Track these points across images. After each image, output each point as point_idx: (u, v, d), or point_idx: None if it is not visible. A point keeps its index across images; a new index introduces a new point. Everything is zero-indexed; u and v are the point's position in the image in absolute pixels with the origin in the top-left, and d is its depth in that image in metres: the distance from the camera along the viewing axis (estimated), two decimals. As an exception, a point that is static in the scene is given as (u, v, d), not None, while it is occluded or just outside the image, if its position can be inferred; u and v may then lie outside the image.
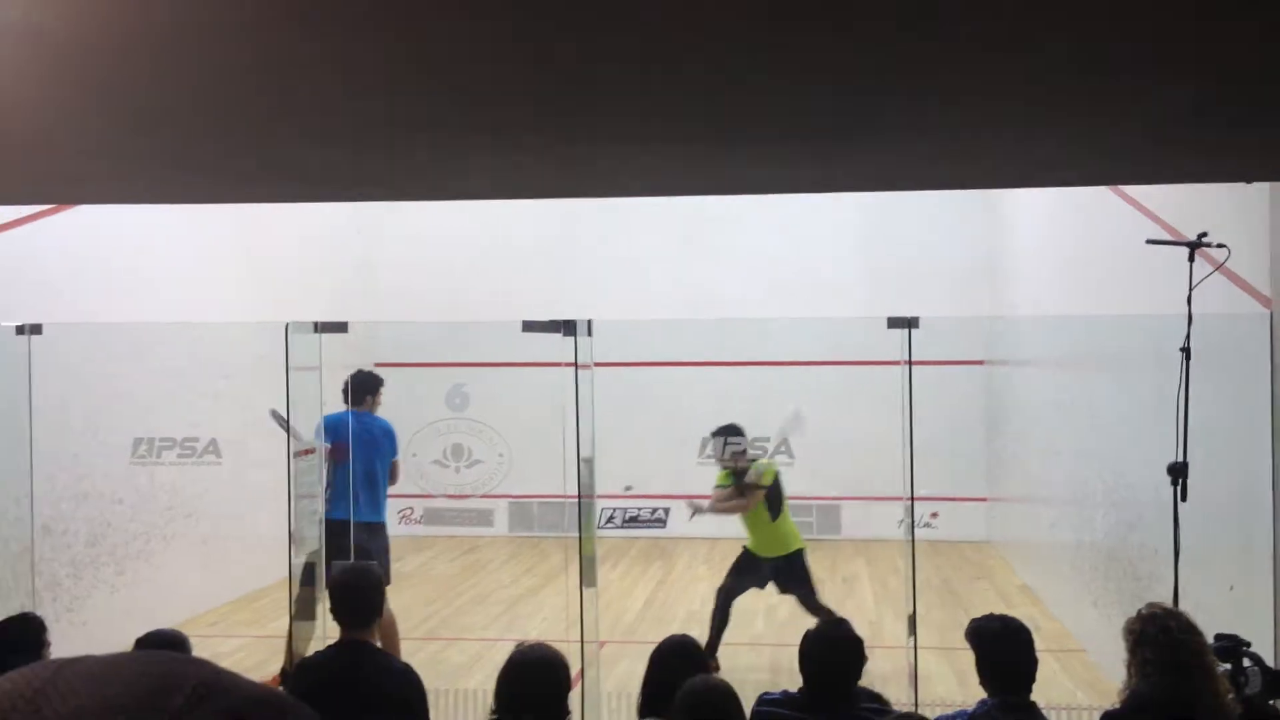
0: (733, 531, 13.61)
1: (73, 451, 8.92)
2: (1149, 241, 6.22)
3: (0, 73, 2.97)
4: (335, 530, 7.74)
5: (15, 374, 7.43)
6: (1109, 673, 4.50)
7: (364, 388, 8.27)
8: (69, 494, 8.93)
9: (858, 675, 4.28)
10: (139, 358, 9.68)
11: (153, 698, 0.66)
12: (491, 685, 3.99)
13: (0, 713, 0.65)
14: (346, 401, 8.17)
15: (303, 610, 7.55)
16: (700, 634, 4.67)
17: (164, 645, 4.63)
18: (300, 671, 4.67)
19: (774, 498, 8.54)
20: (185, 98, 3.38)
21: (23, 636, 4.63)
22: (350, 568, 5.06)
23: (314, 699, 4.41)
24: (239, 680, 0.71)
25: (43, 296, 8.46)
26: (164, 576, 9.85)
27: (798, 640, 4.43)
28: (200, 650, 5.60)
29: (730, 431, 8.50)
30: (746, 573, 8.57)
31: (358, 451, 7.98)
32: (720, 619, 8.36)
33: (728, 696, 3.80)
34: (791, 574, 8.43)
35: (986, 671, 4.28)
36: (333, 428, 7.97)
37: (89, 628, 8.51)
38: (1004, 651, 4.27)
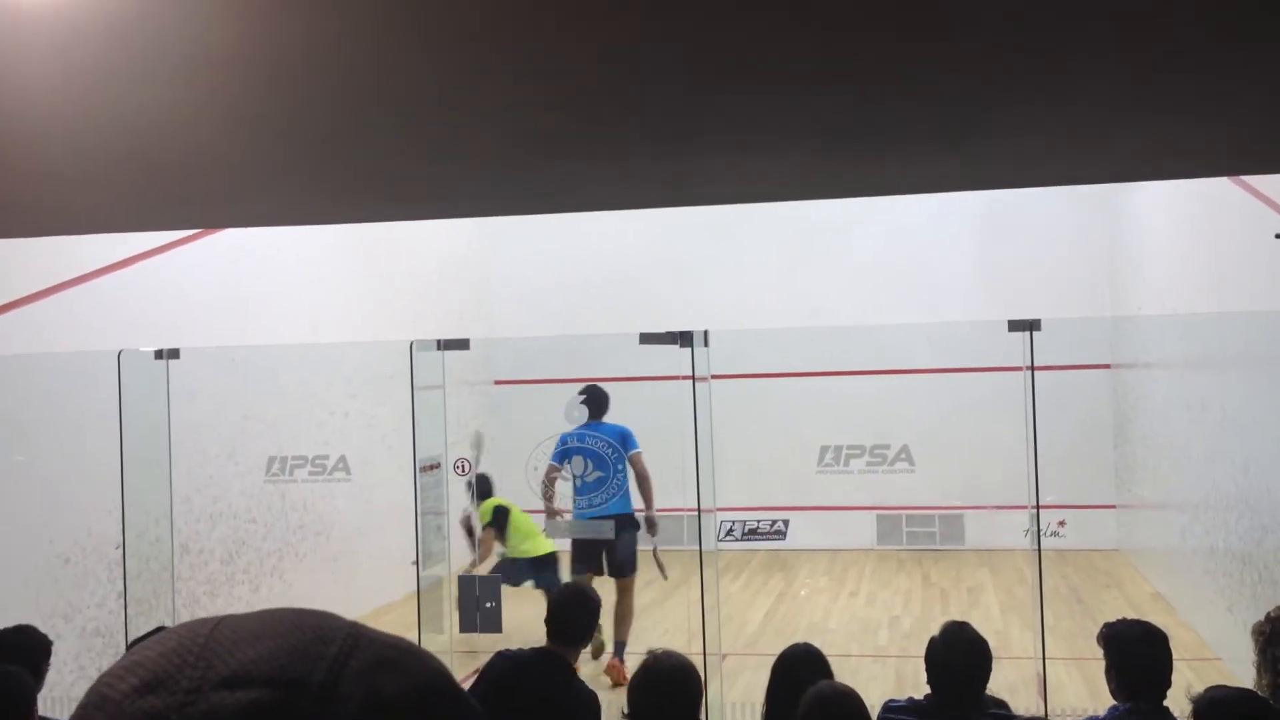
0: (853, 542, 13.53)
1: (208, 473, 9.24)
2: (1278, 236, 6.06)
3: (153, 102, 3.13)
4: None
5: (154, 398, 7.72)
6: (1246, 681, 4.37)
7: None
8: (205, 514, 9.25)
9: (985, 679, 4.23)
10: (271, 379, 9.99)
11: (310, 647, 0.71)
12: (615, 696, 4.04)
13: (173, 667, 0.70)
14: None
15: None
16: (822, 644, 4.66)
17: (20, 646, 4.75)
18: (498, 658, 4.83)
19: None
20: (323, 124, 3.52)
21: (20, 648, 4.67)
22: (573, 585, 5.23)
23: (498, 687, 4.57)
24: (374, 630, 0.75)
25: (179, 321, 8.80)
26: (296, 592, 10.13)
27: (920, 651, 4.39)
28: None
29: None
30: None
31: None
32: None
33: (855, 702, 3.79)
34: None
35: (1121, 677, 4.15)
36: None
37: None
38: (1141, 657, 4.13)
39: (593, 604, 4.95)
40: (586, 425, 8.87)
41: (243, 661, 0.70)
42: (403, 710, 0.71)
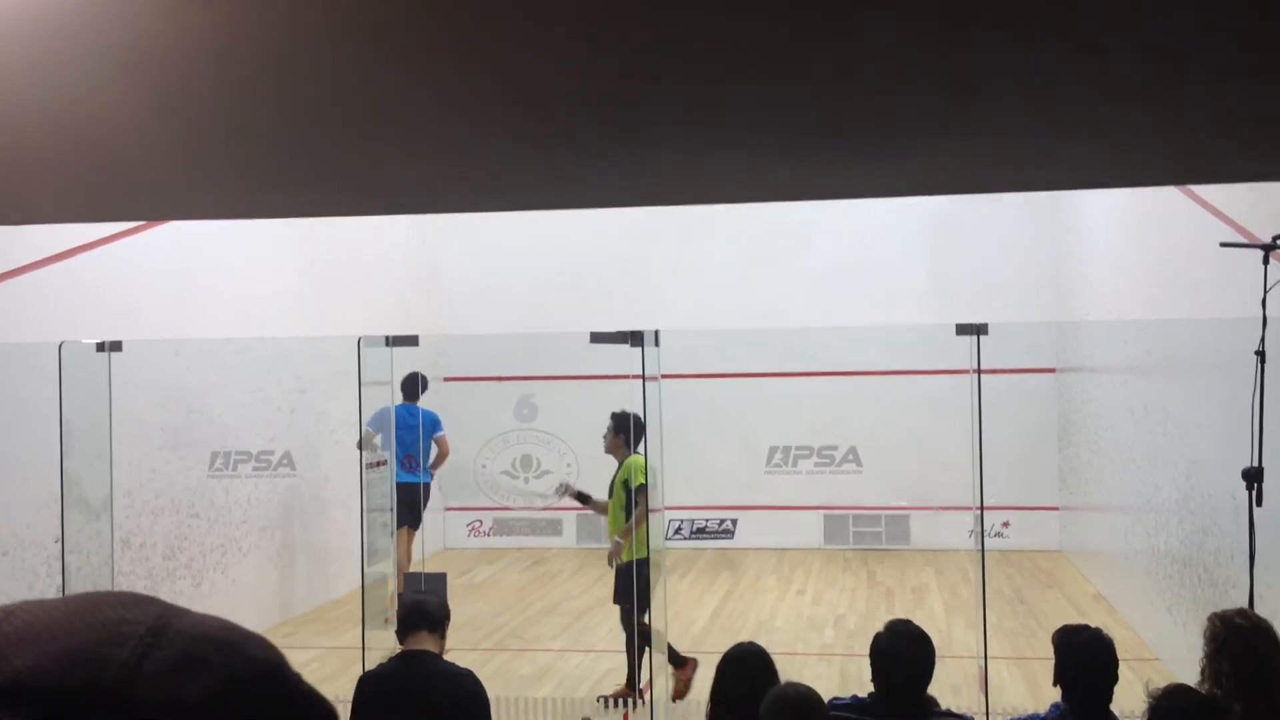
0: (800, 541, 13.60)
1: (151, 466, 9.11)
2: (1223, 245, 6.14)
3: (96, 89, 3.08)
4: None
5: (96, 391, 7.60)
6: (1187, 679, 4.43)
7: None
8: (147, 509, 9.12)
9: (929, 675, 4.25)
10: (216, 373, 9.88)
11: (100, 648, 0.63)
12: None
13: None
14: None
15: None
16: (768, 643, 4.67)
17: None
18: (361, 684, 4.76)
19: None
20: (274, 116, 3.48)
21: None
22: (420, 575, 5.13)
23: (376, 710, 4.51)
24: (190, 617, 0.67)
25: (123, 314, 8.67)
26: (240, 589, 10.03)
27: (865, 650, 4.42)
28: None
29: None
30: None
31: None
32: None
33: (818, 706, 3.79)
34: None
35: (1068, 680, 4.24)
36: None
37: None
38: (1091, 663, 4.23)
39: (433, 585, 4.92)
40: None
41: (18, 670, 0.62)
42: (211, 713, 0.64)
